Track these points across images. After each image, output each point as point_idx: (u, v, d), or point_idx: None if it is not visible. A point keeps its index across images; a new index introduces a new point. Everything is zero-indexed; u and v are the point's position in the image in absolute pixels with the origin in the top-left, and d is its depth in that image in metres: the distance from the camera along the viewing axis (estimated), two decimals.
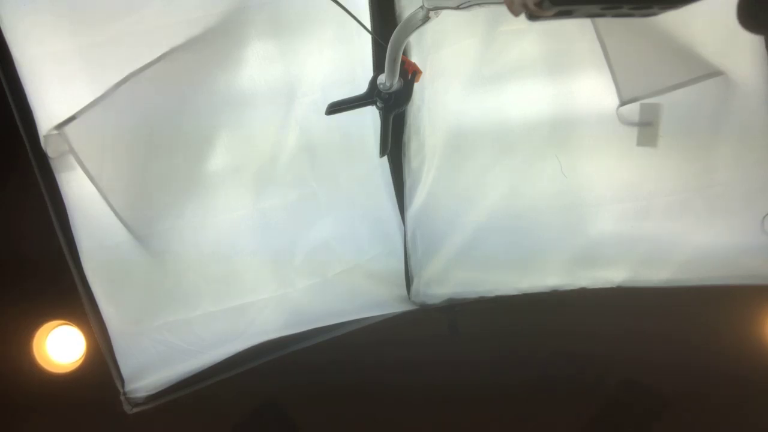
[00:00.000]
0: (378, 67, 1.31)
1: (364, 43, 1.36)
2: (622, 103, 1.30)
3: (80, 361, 1.59)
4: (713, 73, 1.25)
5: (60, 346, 1.59)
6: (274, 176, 1.42)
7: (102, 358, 1.46)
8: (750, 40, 1.23)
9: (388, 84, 1.07)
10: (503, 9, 0.55)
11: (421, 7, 0.86)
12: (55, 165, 1.28)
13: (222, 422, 1.70)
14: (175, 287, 1.43)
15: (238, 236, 1.44)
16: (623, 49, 1.25)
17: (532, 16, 0.52)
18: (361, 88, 1.12)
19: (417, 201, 1.52)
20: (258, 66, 1.31)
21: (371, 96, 1.11)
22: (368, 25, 1.31)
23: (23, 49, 1.18)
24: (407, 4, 1.33)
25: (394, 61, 1.01)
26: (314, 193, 1.46)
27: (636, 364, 1.63)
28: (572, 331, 1.62)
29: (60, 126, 1.19)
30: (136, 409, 1.49)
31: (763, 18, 0.58)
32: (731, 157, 1.32)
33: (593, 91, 1.33)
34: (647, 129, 1.32)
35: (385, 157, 1.47)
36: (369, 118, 1.43)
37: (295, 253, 1.50)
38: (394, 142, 1.37)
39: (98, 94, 1.19)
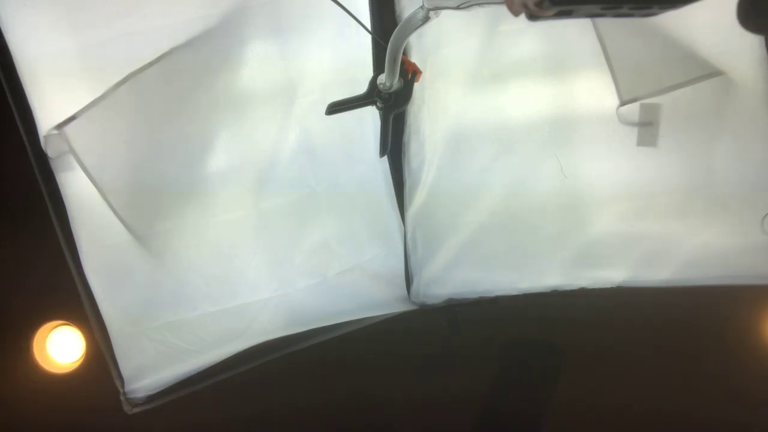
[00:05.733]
0: (378, 67, 1.31)
1: (364, 43, 1.36)
2: (622, 103, 1.30)
3: (80, 361, 1.59)
4: (713, 73, 1.25)
5: (60, 346, 1.59)
6: (274, 176, 1.42)
7: (102, 358, 1.46)
8: (750, 40, 1.23)
9: (388, 84, 1.07)
10: (503, 9, 0.55)
11: (421, 7, 0.86)
12: (55, 165, 1.28)
13: (222, 422, 1.70)
14: (175, 287, 1.43)
15: (238, 236, 1.44)
16: (623, 49, 1.25)
17: (532, 16, 0.52)
18: (361, 88, 1.12)
19: (417, 201, 1.52)
20: (258, 66, 1.30)
21: (371, 96, 1.11)
22: (368, 25, 1.31)
23: (23, 49, 1.18)
24: (407, 4, 1.33)
25: (394, 61, 1.01)
26: (314, 193, 1.46)
27: (635, 366, 1.63)
28: (573, 331, 1.62)
29: (60, 126, 1.18)
30: (136, 409, 1.49)
31: (763, 18, 0.58)
32: (731, 157, 1.32)
33: (593, 91, 1.33)
34: (647, 129, 1.32)
35: (385, 157, 1.47)
36: (369, 118, 1.43)
37: (295, 253, 1.50)
38: (394, 142, 1.37)
39: (98, 94, 1.19)
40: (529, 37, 1.34)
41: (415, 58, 1.35)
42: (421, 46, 1.38)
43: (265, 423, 1.71)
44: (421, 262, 1.59)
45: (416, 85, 1.13)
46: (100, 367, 1.47)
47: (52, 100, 1.22)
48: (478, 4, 0.74)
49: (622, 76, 1.27)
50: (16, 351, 1.57)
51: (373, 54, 1.36)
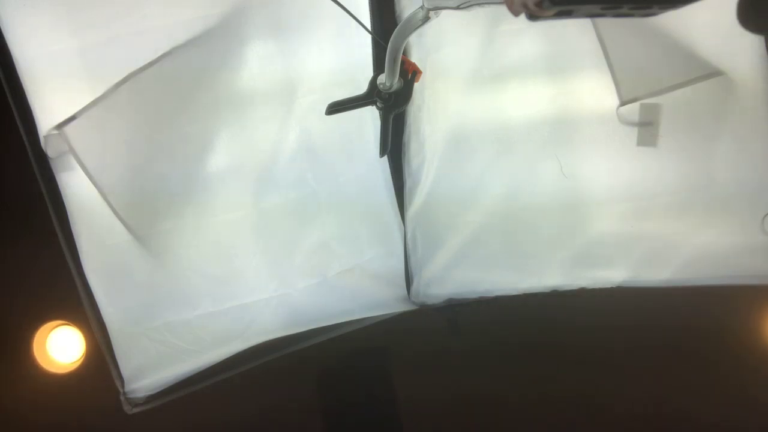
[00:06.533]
0: (378, 67, 1.31)
1: (364, 43, 1.36)
2: (622, 103, 1.30)
3: (80, 361, 1.59)
4: (713, 73, 1.25)
5: (60, 346, 1.59)
6: (274, 176, 1.42)
7: (102, 358, 1.46)
8: (750, 40, 1.23)
9: (388, 84, 1.07)
10: (503, 9, 0.55)
11: (421, 7, 0.86)
12: (55, 165, 1.28)
13: (222, 422, 1.70)
14: (175, 287, 1.43)
15: (238, 236, 1.44)
16: (623, 49, 1.25)
17: (532, 16, 0.52)
18: (361, 88, 1.12)
19: (417, 201, 1.52)
20: (258, 66, 1.30)
21: (371, 96, 1.11)
22: (368, 25, 1.31)
23: (23, 49, 1.18)
24: (407, 4, 1.33)
25: (394, 61, 1.01)
26: (314, 193, 1.46)
27: (635, 366, 1.63)
28: (574, 331, 1.62)
29: (60, 126, 1.18)
30: (136, 409, 1.49)
31: (763, 18, 0.58)
32: (731, 157, 1.32)
33: (593, 91, 1.33)
34: (647, 129, 1.32)
35: (385, 157, 1.47)
36: (369, 118, 1.43)
37: (295, 253, 1.50)
38: (394, 142, 1.37)
39: (98, 94, 1.19)
40: (529, 37, 1.34)
41: (415, 58, 1.35)
42: (421, 46, 1.38)
43: (265, 423, 1.70)
44: (421, 262, 1.59)
45: (416, 85, 1.13)
46: (100, 367, 1.47)
47: (52, 100, 1.22)
48: (478, 4, 0.74)
49: (622, 76, 1.27)
50: (16, 351, 1.57)
51: (373, 54, 1.36)
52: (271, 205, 1.44)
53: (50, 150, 1.25)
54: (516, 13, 0.53)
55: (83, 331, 1.56)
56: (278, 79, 1.34)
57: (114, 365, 1.46)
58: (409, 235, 1.57)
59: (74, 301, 1.41)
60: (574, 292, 1.52)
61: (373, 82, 1.11)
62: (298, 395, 1.70)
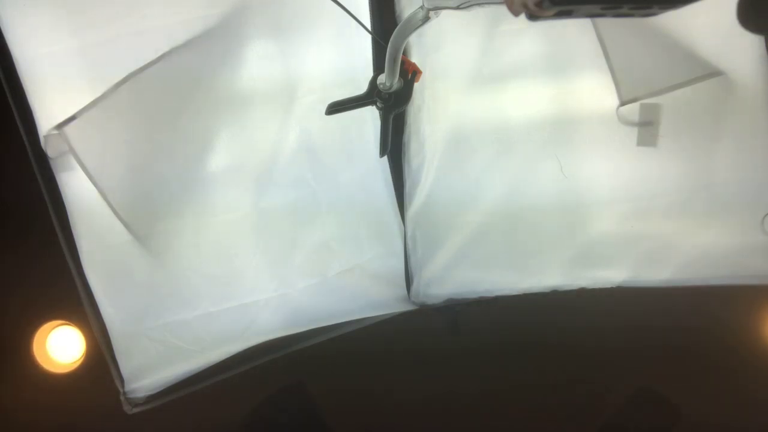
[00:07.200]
0: (378, 67, 1.31)
1: (364, 43, 1.36)
2: (622, 103, 1.30)
3: (80, 361, 1.59)
4: (713, 73, 1.25)
5: (60, 346, 1.59)
6: (274, 176, 1.42)
7: (102, 358, 1.46)
8: (750, 40, 1.24)
9: (388, 84, 1.07)
10: (503, 9, 0.55)
11: (421, 7, 0.86)
12: (55, 165, 1.28)
13: (222, 422, 1.70)
14: (175, 287, 1.43)
15: (238, 236, 1.44)
16: (623, 49, 1.25)
17: (532, 16, 0.52)
18: (361, 88, 1.12)
19: (417, 201, 1.52)
20: (258, 66, 1.31)
21: (371, 96, 1.11)
22: (368, 25, 1.31)
23: (23, 49, 1.18)
24: (407, 4, 1.33)
25: (394, 61, 1.01)
26: (314, 193, 1.46)
27: (635, 367, 1.63)
28: (574, 331, 1.62)
29: (60, 126, 1.19)
30: (136, 409, 1.49)
31: (763, 18, 0.58)
32: (731, 157, 1.32)
33: (593, 91, 1.33)
34: (647, 129, 1.32)
35: (385, 157, 1.47)
36: (369, 118, 1.43)
37: (295, 253, 1.50)
38: (394, 142, 1.37)
39: (98, 94, 1.19)
40: (529, 37, 1.34)
41: (415, 58, 1.35)
42: (421, 46, 1.38)
43: (265, 423, 1.70)
44: (421, 262, 1.59)
45: (416, 85, 1.13)
46: (100, 367, 1.47)
47: (52, 100, 1.22)
48: (478, 4, 0.74)
49: (622, 76, 1.27)
50: (16, 351, 1.57)
51: (373, 54, 1.36)
52: (271, 205, 1.44)
53: (50, 150, 1.25)
54: (516, 13, 0.53)
55: (83, 331, 1.56)
56: (278, 79, 1.34)
57: (114, 365, 1.46)
58: (409, 235, 1.57)
59: (74, 301, 1.41)
60: (574, 292, 1.52)
61: (373, 82, 1.11)
62: (298, 395, 1.70)
